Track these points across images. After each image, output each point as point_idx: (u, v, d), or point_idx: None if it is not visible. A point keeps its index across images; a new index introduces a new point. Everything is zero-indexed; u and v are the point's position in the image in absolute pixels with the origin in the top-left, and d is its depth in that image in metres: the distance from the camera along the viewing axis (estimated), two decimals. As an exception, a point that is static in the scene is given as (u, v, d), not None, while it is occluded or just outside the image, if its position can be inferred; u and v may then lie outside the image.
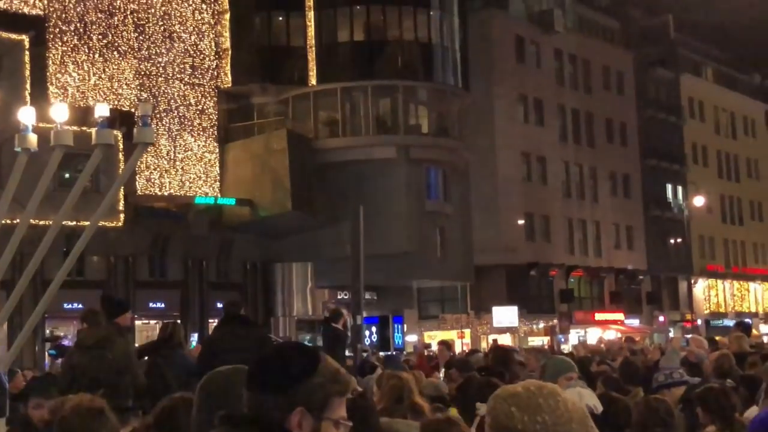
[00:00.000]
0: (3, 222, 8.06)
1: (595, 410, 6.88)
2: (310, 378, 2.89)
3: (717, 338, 19.12)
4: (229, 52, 42.54)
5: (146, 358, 11.92)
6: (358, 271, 12.17)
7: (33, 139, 8.22)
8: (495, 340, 41.87)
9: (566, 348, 42.51)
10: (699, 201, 61.35)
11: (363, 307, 12.80)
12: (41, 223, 8.30)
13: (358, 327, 12.74)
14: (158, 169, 39.52)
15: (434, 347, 39.84)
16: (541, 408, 2.77)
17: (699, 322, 63.46)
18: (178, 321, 18.06)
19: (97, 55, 38.26)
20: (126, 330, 11.29)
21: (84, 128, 20.52)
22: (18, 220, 8.01)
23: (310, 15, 42.90)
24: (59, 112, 8.28)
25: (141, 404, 7.90)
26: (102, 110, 8.14)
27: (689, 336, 16.24)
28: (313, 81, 42.87)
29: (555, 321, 54.26)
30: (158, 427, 4.56)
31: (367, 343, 33.00)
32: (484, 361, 13.01)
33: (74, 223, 16.72)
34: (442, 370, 14.82)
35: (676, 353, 10.43)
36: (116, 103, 36.81)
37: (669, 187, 68.68)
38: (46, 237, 8.10)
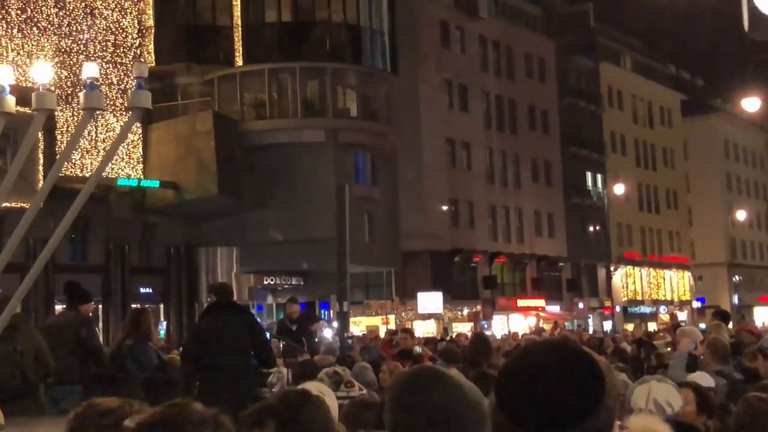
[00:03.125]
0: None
1: (670, 408, 5.65)
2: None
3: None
4: (153, 30, 41.16)
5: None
6: (344, 255, 11.36)
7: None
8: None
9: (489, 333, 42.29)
10: (619, 189, 61.86)
11: (349, 292, 12.00)
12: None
13: (345, 314, 11.93)
14: (79, 149, 38.00)
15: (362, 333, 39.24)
16: None
17: (617, 309, 64.10)
18: (147, 307, 17.09)
19: (15, 31, 36.63)
20: (89, 319, 10.54)
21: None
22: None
23: (237, -7, 41.81)
24: (42, 72, 7.38)
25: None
26: (91, 70, 7.19)
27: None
28: (239, 61, 41.75)
29: (479, 307, 54.18)
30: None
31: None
32: (462, 351, 12.52)
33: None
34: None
35: (683, 357, 9.97)
36: (35, 80, 35.20)
37: (589, 174, 69.16)
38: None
